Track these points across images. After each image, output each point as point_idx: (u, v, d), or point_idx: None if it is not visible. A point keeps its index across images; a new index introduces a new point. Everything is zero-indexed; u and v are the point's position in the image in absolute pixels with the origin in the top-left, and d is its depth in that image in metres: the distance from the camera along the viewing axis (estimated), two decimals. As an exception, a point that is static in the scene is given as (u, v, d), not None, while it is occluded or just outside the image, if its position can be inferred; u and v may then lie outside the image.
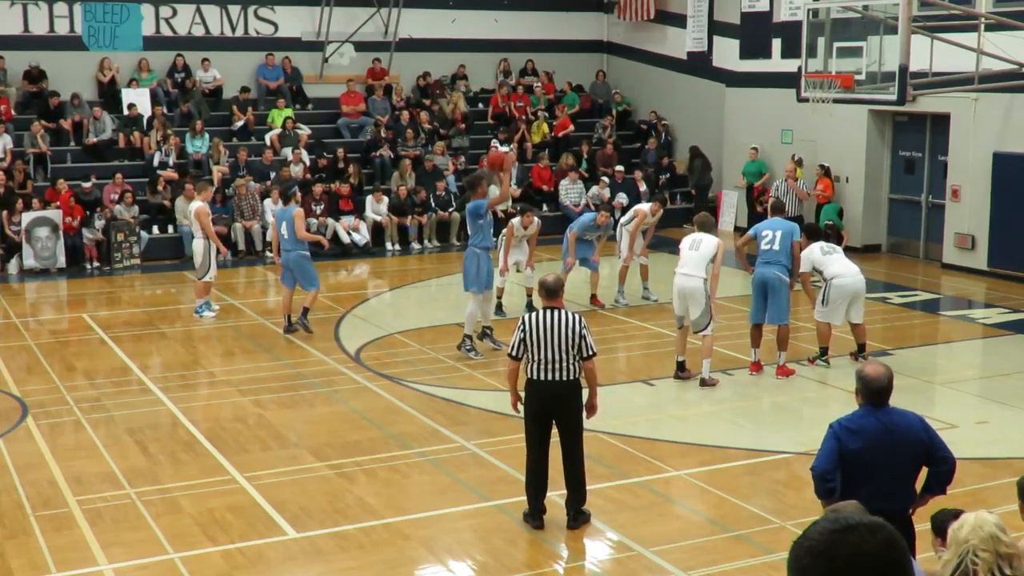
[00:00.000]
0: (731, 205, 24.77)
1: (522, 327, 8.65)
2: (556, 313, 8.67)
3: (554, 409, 8.72)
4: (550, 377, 8.60)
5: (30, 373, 13.49)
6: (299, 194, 15.98)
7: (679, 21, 26.49)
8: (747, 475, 10.11)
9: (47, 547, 8.40)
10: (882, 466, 6.37)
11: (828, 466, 6.41)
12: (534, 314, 8.75)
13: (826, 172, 21.94)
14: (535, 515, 8.78)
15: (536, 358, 8.61)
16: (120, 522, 8.93)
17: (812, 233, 14.07)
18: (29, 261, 20.16)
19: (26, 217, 20.18)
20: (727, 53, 25.08)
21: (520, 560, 8.31)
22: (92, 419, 11.56)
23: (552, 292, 8.86)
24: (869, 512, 2.75)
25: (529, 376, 8.70)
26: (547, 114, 27.06)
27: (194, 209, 16.43)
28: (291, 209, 15.17)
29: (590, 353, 8.69)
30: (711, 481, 9.75)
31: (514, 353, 8.70)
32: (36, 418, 11.61)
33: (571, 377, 8.64)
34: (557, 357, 8.57)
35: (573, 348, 8.61)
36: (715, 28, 25.53)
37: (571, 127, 26.65)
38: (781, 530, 8.64)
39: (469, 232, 14.34)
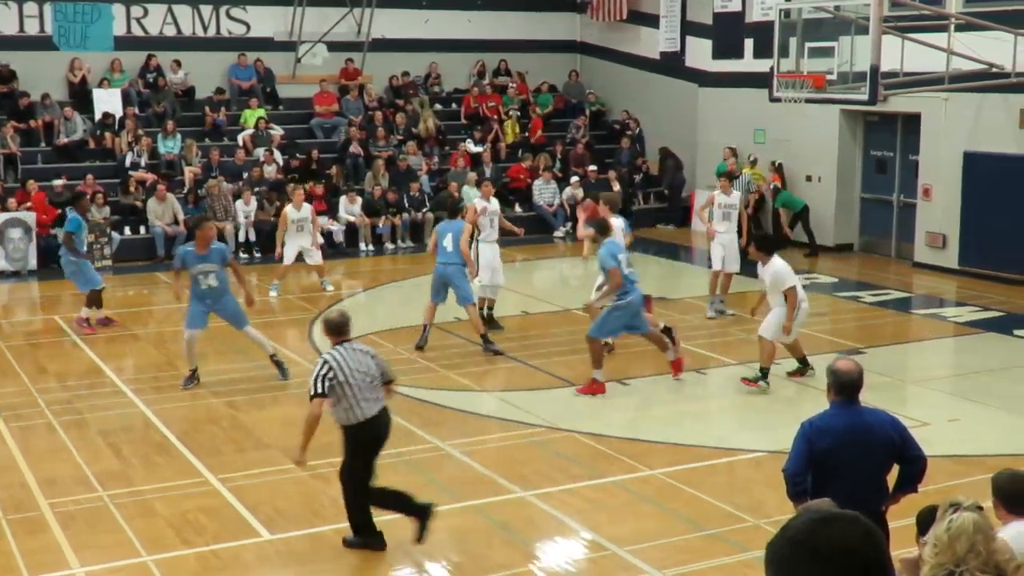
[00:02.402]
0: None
1: (330, 368, 8.27)
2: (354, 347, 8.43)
3: (383, 438, 8.52)
4: (375, 411, 8.39)
5: (1, 375, 13.38)
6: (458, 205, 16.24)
7: (652, 21, 26.55)
8: (721, 474, 10.15)
9: (19, 551, 8.34)
10: (854, 464, 6.41)
11: (798, 468, 6.45)
12: (337, 354, 8.38)
13: (778, 168, 22.18)
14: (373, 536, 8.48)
15: (358, 396, 8.31)
16: (93, 525, 8.87)
17: (768, 244, 12.96)
18: (0, 262, 19.99)
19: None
20: (700, 53, 25.16)
21: (495, 561, 8.30)
22: (64, 421, 11.49)
23: (339, 328, 8.57)
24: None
25: (358, 419, 8.36)
26: (519, 114, 27.07)
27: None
28: (458, 224, 14.36)
29: (391, 377, 8.61)
30: (686, 480, 9.78)
31: (323, 391, 8.28)
32: (7, 420, 11.52)
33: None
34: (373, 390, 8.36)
35: (381, 378, 8.42)
36: (688, 28, 25.61)
37: (540, 130, 26.64)
38: (756, 528, 8.67)
39: (448, 248, 14.10)
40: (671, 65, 26.12)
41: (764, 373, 12.51)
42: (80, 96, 24.23)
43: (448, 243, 14.07)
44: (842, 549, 2.55)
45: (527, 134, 26.66)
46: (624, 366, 13.64)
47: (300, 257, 18.14)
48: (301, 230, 18.01)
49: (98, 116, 23.69)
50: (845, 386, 6.55)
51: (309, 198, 20.00)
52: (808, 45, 18.07)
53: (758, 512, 9.01)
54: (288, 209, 18.20)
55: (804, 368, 12.89)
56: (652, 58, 26.76)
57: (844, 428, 6.46)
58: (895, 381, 12.96)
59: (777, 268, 12.38)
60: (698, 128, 25.15)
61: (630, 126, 27.03)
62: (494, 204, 15.91)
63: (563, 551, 8.53)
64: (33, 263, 20.22)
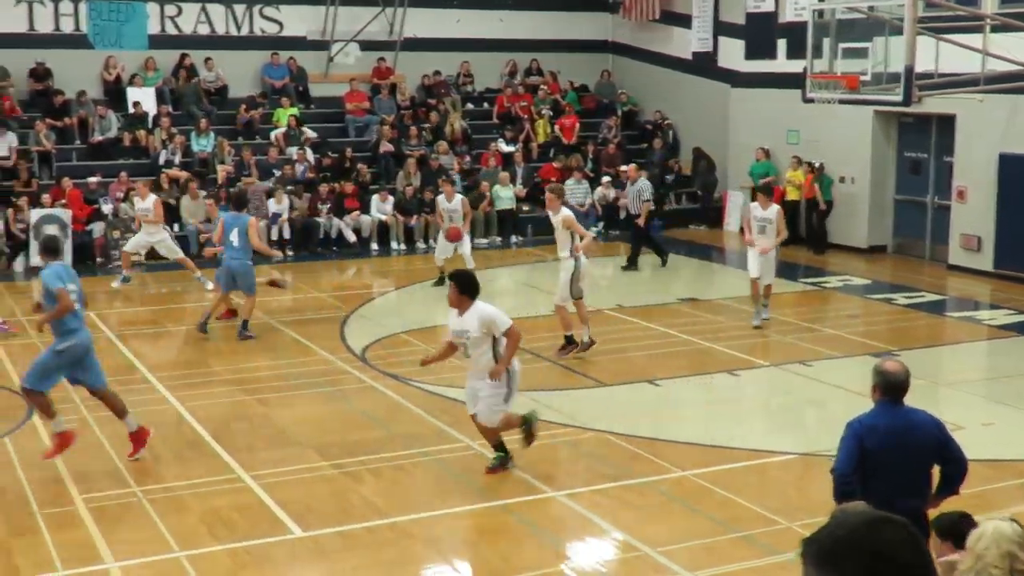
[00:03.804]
0: (737, 206, 24.74)
1: None
2: None
3: None
4: None
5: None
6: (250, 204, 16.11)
7: (684, 21, 26.47)
8: (752, 476, 10.10)
9: (53, 544, 8.41)
10: (900, 464, 6.36)
11: (849, 467, 6.36)
12: None
13: (817, 169, 22.08)
14: None
15: None
16: (126, 520, 8.93)
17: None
18: (35, 259, 20.15)
19: (34, 214, 20.21)
20: (732, 53, 25.06)
21: (526, 560, 8.29)
22: (98, 417, 11.55)
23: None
24: (886, 510, 2.74)
25: None
26: (552, 114, 27.04)
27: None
28: (245, 217, 15.09)
29: None
30: (717, 481, 9.74)
31: None
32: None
33: None
34: None
35: None
36: (720, 28, 25.52)
37: (576, 125, 26.62)
38: (787, 531, 8.63)
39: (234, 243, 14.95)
40: (703, 65, 26.04)
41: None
42: (114, 94, 24.41)
43: (234, 237, 14.86)
44: (890, 553, 2.54)
45: (559, 134, 26.61)
46: (654, 366, 13.60)
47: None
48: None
49: (130, 109, 23.86)
50: (893, 387, 6.51)
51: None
52: (842, 46, 17.96)
53: (789, 514, 8.96)
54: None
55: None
56: (684, 58, 26.68)
57: (891, 427, 6.41)
58: (928, 384, 12.86)
59: None
60: (730, 129, 25.06)
61: (662, 126, 26.97)
62: (455, 203, 18.17)
63: (594, 551, 8.51)
64: (68, 259, 20.34)
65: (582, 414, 11.65)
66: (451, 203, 18.29)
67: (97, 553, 8.30)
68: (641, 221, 19.98)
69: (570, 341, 13.82)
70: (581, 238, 13.73)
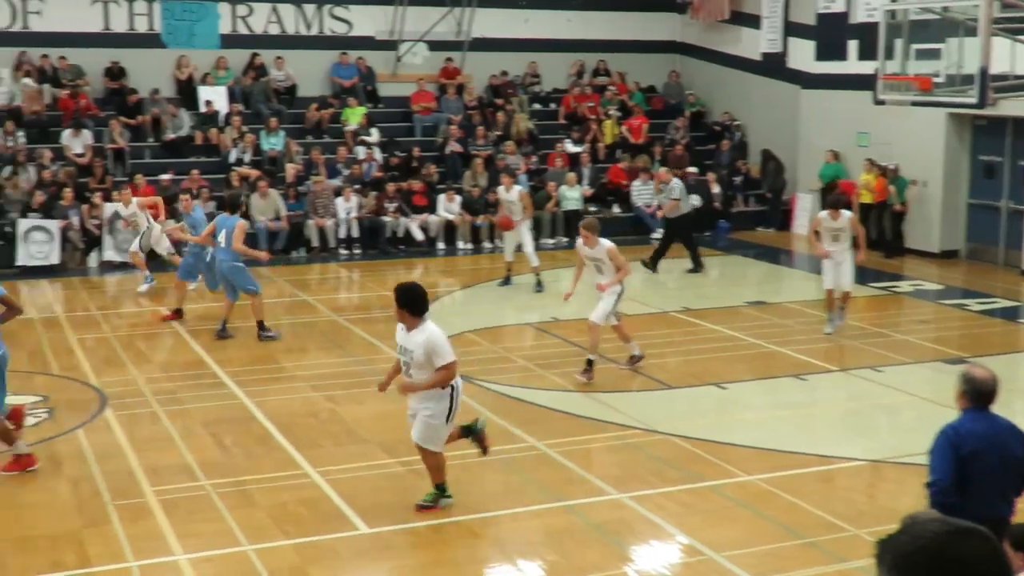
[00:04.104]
0: (805, 208, 24.53)
1: None
2: None
3: None
4: None
5: (109, 365, 13.73)
6: (244, 205, 16.09)
7: (754, 22, 26.28)
8: (820, 481, 10.01)
9: (124, 536, 8.55)
10: (990, 472, 6.23)
11: (948, 479, 6.12)
12: None
13: (893, 171, 21.77)
14: None
15: None
16: (195, 513, 9.05)
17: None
18: (109, 253, 20.54)
19: (107, 209, 20.56)
20: (802, 54, 24.84)
21: (590, 561, 8.28)
22: (169, 411, 11.75)
23: None
24: (973, 519, 2.70)
25: None
26: (619, 114, 26.98)
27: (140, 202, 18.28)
28: (235, 219, 14.99)
29: None
30: (782, 486, 9.66)
31: None
32: (115, 409, 11.82)
33: None
34: None
35: None
36: (790, 29, 25.31)
37: (645, 126, 26.52)
38: (854, 538, 8.54)
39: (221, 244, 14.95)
40: (773, 66, 25.83)
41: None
42: (186, 93, 24.75)
43: (222, 239, 14.84)
44: (973, 565, 2.50)
45: (627, 134, 26.54)
46: (720, 369, 13.53)
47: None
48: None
49: (202, 107, 24.19)
50: (983, 394, 6.41)
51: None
52: (914, 47, 17.71)
53: (857, 521, 8.86)
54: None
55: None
56: (753, 59, 26.49)
57: (985, 436, 6.28)
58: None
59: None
60: (799, 130, 24.83)
61: (730, 128, 26.80)
62: (512, 194, 18.13)
63: (658, 554, 8.48)
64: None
65: (647, 416, 11.62)
66: (509, 193, 18.28)
67: (167, 545, 8.43)
68: (660, 213, 19.93)
69: (591, 364, 12.95)
70: (618, 269, 12.91)
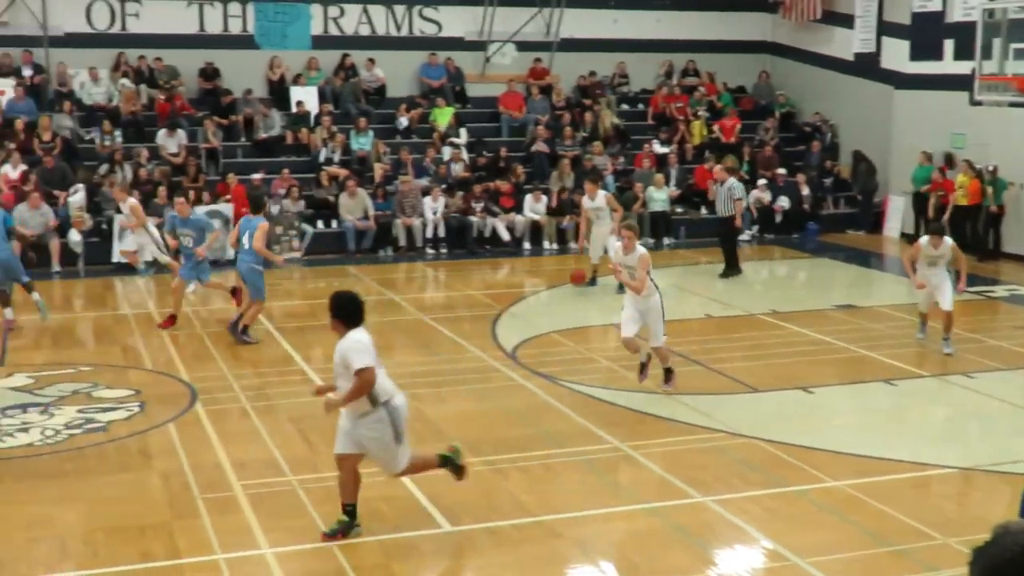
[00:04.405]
0: (897, 211, 24.13)
1: None
2: None
3: None
4: None
5: (199, 361, 13.97)
6: (268, 205, 15.94)
7: (847, 21, 25.92)
8: (909, 488, 9.82)
9: (212, 529, 8.69)
10: None
11: None
12: None
13: (991, 173, 21.28)
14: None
15: None
16: (281, 508, 9.17)
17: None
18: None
19: (199, 210, 20.90)
20: (896, 54, 24.43)
21: (672, 563, 8.23)
22: (257, 407, 11.92)
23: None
24: None
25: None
26: (708, 115, 26.78)
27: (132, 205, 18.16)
28: (258, 220, 14.96)
29: None
30: (870, 493, 9.50)
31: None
32: (205, 404, 12.02)
33: None
34: None
35: None
36: (884, 29, 24.91)
37: (737, 126, 26.29)
38: (944, 547, 8.37)
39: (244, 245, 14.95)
40: (866, 66, 25.44)
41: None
42: (278, 93, 25.10)
43: (245, 240, 14.81)
44: None
45: (719, 133, 26.34)
46: (808, 373, 13.36)
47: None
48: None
49: (293, 108, 24.52)
50: None
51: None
52: (1013, 46, 17.39)
53: (947, 530, 8.69)
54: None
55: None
56: (846, 59, 26.12)
57: None
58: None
59: None
60: (893, 131, 24.43)
61: (821, 128, 26.45)
62: (598, 202, 18.03)
63: (741, 558, 8.40)
64: (230, 253, 21.01)
65: (733, 419, 11.51)
66: (594, 201, 18.14)
67: (254, 539, 8.54)
68: (738, 221, 19.45)
69: (670, 372, 12.60)
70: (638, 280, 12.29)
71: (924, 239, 14.38)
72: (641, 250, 12.46)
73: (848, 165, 25.57)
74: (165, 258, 18.29)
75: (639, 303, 12.39)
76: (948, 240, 14.29)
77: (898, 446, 10.90)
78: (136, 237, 18.83)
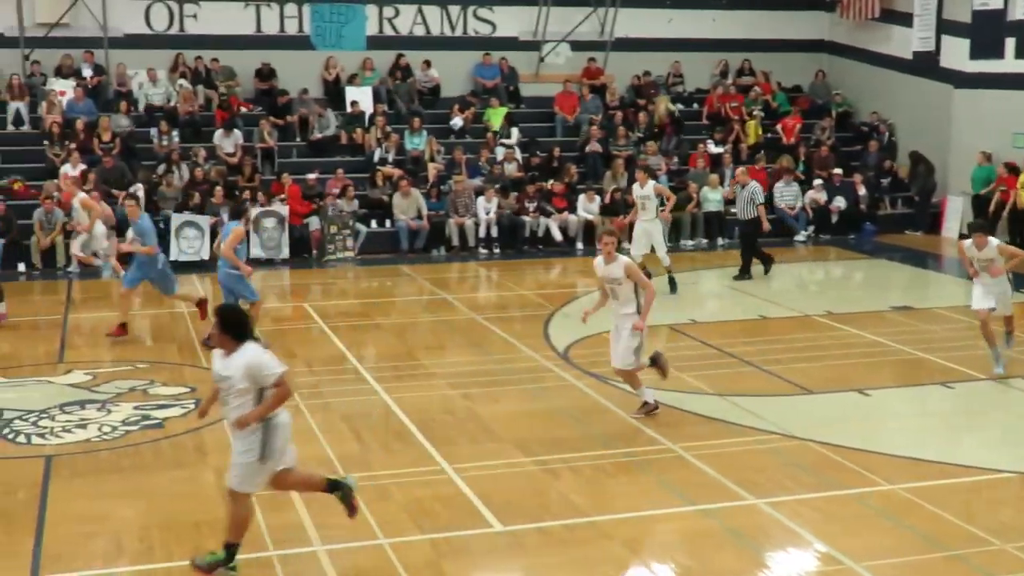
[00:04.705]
0: (956, 212, 23.81)
1: None
2: None
3: None
4: None
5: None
6: (249, 211, 15.37)
7: (905, 20, 25.63)
8: (966, 493, 9.69)
9: (265, 525, 8.75)
10: None
11: None
12: None
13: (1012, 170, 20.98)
14: None
15: None
16: (333, 505, 9.18)
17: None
18: (255, 251, 21.07)
19: (254, 209, 21.10)
20: (956, 53, 24.12)
21: (725, 566, 8.18)
22: (310, 404, 11.99)
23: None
24: None
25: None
26: (763, 115, 26.59)
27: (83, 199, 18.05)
28: (233, 225, 14.47)
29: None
30: (926, 497, 9.38)
31: None
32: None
33: None
34: None
35: None
36: (943, 27, 24.60)
37: (798, 126, 26.10)
38: (1001, 552, 8.25)
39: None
40: (924, 65, 25.13)
41: None
42: (333, 93, 25.26)
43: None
44: None
45: (780, 133, 26.15)
46: (863, 375, 13.21)
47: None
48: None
49: (348, 108, 24.67)
50: None
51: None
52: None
53: (1004, 535, 8.56)
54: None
55: None
56: (904, 58, 25.83)
57: None
58: None
59: None
60: (952, 131, 24.12)
61: (878, 128, 26.18)
62: (647, 190, 17.62)
63: (794, 561, 8.33)
64: (286, 252, 21.25)
65: (786, 421, 11.41)
66: (643, 189, 17.84)
67: (306, 536, 8.60)
68: (765, 225, 19.04)
69: (646, 403, 11.58)
70: (642, 288, 11.35)
71: (967, 241, 13.35)
72: (625, 259, 11.39)
73: (906, 165, 25.27)
74: (98, 261, 18.31)
75: (620, 321, 11.41)
76: (993, 240, 13.17)
77: (955, 450, 10.76)
78: (85, 237, 18.63)
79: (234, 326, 7.85)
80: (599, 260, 11.50)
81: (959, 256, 13.82)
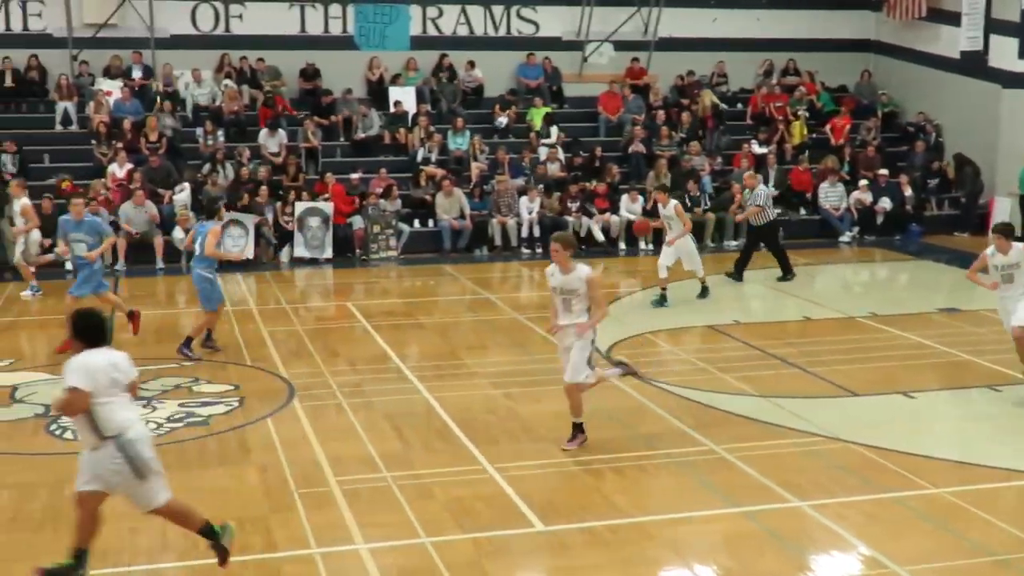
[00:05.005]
0: (1003, 213, 23.53)
1: None
2: None
3: None
4: None
5: (297, 357, 14.17)
6: (223, 210, 14.89)
7: (953, 19, 25.38)
8: (1014, 497, 9.58)
9: (308, 523, 8.80)
10: None
11: None
12: None
13: None
14: None
15: None
16: (376, 504, 9.26)
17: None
18: (299, 250, 21.22)
19: (299, 207, 21.25)
20: (1005, 52, 23.87)
21: (766, 569, 8.13)
22: (353, 403, 12.05)
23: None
24: None
25: None
26: (808, 115, 26.41)
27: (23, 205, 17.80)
28: (210, 224, 14.07)
29: None
30: (973, 501, 9.27)
31: None
32: (301, 400, 12.18)
33: None
34: None
35: None
36: (992, 26, 24.34)
37: (848, 126, 25.92)
38: (1050, 557, 8.15)
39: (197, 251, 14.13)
40: (973, 65, 24.88)
41: None
42: (376, 93, 25.37)
43: (197, 247, 14.02)
44: None
45: (829, 134, 25.98)
46: (908, 378, 13.10)
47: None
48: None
49: (391, 108, 24.76)
50: None
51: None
52: None
53: (1053, 540, 8.45)
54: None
55: None
56: (951, 57, 25.58)
57: None
58: None
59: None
60: (1000, 132, 23.85)
61: (925, 128, 25.93)
62: (668, 211, 16.94)
63: (838, 565, 8.26)
64: (329, 251, 21.35)
65: (831, 424, 11.33)
66: (665, 209, 17.10)
67: (349, 534, 8.64)
68: (739, 218, 18.89)
69: (579, 429, 10.63)
70: (591, 308, 10.40)
71: (990, 248, 12.37)
72: (587, 270, 10.35)
73: (951, 164, 25.02)
74: (22, 261, 18.08)
75: (565, 338, 10.51)
76: (1018, 245, 12.16)
77: (1002, 454, 10.62)
78: (21, 245, 18.32)
79: (82, 331, 7.57)
80: (552, 269, 10.45)
81: (977, 265, 12.73)
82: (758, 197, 18.92)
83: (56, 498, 9.40)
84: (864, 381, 12.93)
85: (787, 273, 19.06)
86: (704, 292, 17.54)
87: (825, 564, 8.26)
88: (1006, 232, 12.36)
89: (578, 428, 10.61)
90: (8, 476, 10.01)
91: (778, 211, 20.61)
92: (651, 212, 22.53)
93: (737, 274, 19.09)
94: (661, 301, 17.06)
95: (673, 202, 17.24)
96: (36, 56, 24.26)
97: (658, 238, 22.05)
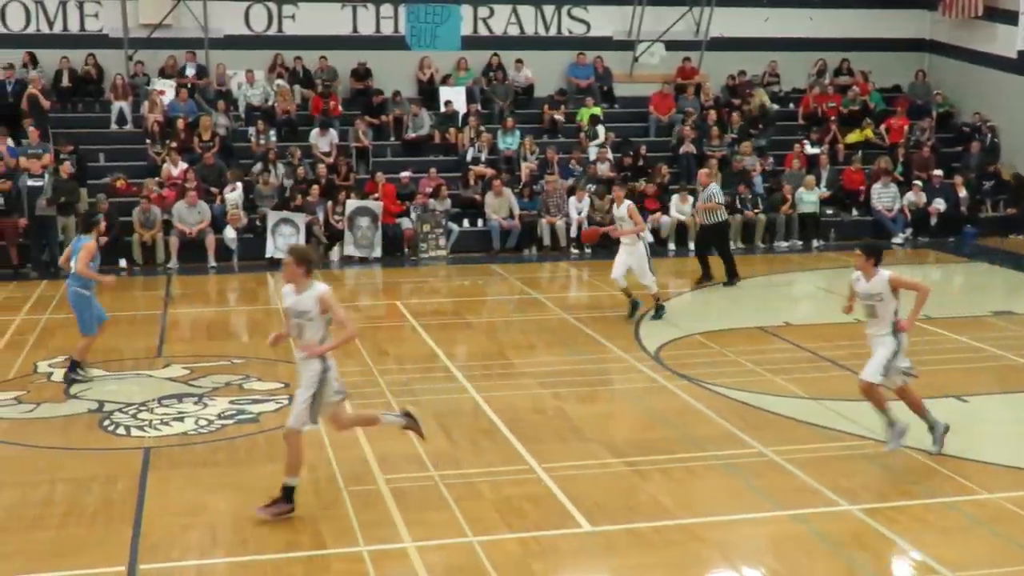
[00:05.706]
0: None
1: None
2: None
3: None
4: None
5: (346, 356, 14.19)
6: (102, 225, 13.95)
7: (1010, 18, 25.05)
8: (1068, 503, 9.43)
9: (356, 521, 8.84)
10: None
11: None
12: None
13: None
14: None
15: None
16: (423, 503, 9.28)
17: None
18: (349, 249, 21.33)
19: (349, 206, 21.37)
20: (1063, 52, 23.53)
21: (816, 572, 8.06)
22: (401, 402, 12.06)
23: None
24: None
25: None
26: (862, 116, 26.19)
27: None
28: (85, 240, 12.97)
29: None
30: (1027, 507, 9.15)
31: None
32: (350, 398, 12.20)
33: None
34: None
35: None
36: (1050, 25, 24.00)
37: (906, 127, 25.68)
38: (1106, 565, 8.02)
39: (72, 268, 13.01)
40: (1030, 65, 24.56)
41: None
42: (427, 93, 25.45)
43: (72, 263, 12.93)
44: None
45: (884, 134, 25.74)
46: (962, 381, 12.93)
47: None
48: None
49: (442, 107, 24.84)
50: None
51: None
52: None
53: (1109, 548, 8.32)
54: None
55: None
56: (1008, 57, 25.24)
57: None
58: None
59: None
60: (1057, 132, 23.52)
61: (981, 129, 25.61)
62: (621, 211, 16.10)
63: (889, 570, 8.19)
64: (378, 251, 21.45)
65: (881, 427, 11.20)
66: (619, 209, 16.27)
67: (396, 532, 8.67)
68: (699, 217, 18.60)
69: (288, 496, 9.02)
70: (338, 325, 9.26)
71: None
72: (322, 288, 9.11)
73: (1009, 168, 24.69)
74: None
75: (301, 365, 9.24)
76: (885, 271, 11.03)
77: (1058, 459, 10.47)
78: None
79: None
80: (286, 288, 9.15)
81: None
82: (715, 195, 18.58)
83: (110, 492, 9.51)
84: (916, 384, 12.76)
85: (732, 278, 18.66)
86: (659, 312, 16.26)
87: (876, 570, 8.18)
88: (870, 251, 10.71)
89: (288, 494, 8.93)
90: (62, 471, 10.14)
91: (729, 215, 19.92)
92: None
93: (730, 279, 18.69)
94: (633, 311, 16.19)
95: (627, 202, 16.30)
96: (93, 56, 24.59)
97: (680, 238, 22.01)
